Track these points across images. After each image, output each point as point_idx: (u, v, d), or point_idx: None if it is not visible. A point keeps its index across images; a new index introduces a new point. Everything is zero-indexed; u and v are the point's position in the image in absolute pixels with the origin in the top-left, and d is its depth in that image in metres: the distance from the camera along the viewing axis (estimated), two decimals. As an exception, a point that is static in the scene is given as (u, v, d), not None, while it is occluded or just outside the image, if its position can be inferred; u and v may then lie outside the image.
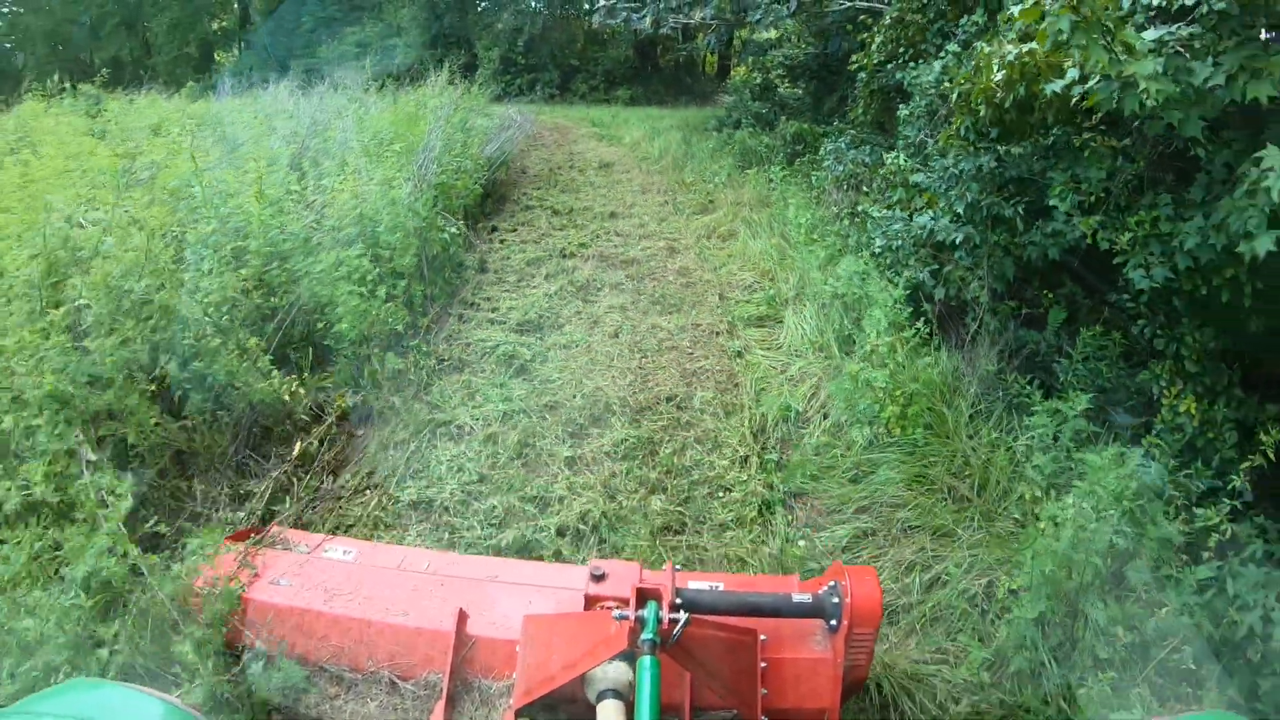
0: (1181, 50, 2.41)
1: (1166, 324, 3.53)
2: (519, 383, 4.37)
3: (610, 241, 6.98)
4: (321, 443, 3.78)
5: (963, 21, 5.09)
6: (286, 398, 3.55)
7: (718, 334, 5.06)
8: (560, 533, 3.19)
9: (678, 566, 1.92)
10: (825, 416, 3.90)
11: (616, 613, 1.68)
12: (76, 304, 3.31)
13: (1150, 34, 2.41)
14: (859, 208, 5.66)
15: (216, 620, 2.16)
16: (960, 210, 3.93)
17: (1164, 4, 2.62)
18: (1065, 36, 2.07)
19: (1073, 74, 2.79)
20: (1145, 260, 3.14)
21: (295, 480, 3.49)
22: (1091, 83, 2.46)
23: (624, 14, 12.52)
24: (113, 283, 3.33)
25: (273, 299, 4.16)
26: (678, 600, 1.73)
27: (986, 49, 3.27)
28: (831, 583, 1.94)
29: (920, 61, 5.60)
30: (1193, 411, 3.19)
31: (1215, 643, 2.45)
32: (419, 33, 20.46)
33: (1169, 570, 2.55)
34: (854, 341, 4.36)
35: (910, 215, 4.49)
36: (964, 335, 4.23)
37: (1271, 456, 2.48)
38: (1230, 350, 3.47)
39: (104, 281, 3.30)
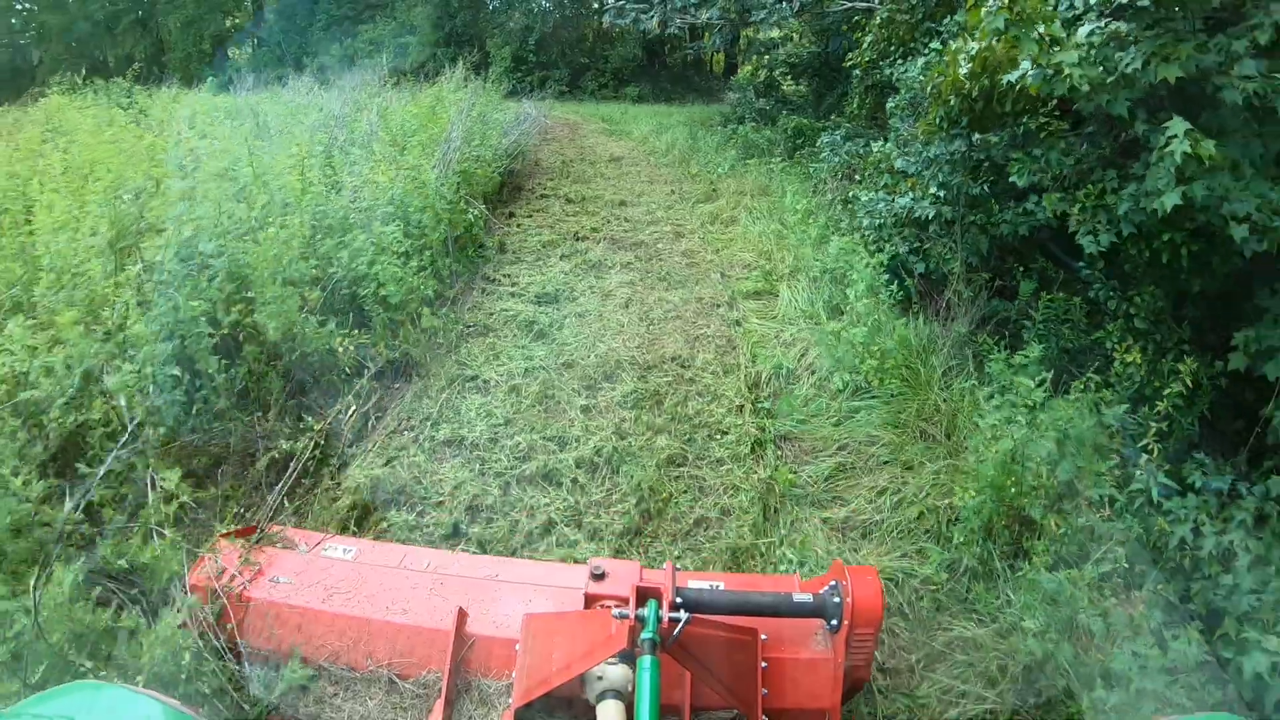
0: (1112, 42, 2.84)
1: (1119, 287, 3.97)
2: (538, 345, 4.83)
3: (620, 226, 7.44)
4: (362, 393, 4.24)
5: (946, 21, 5.53)
6: (338, 348, 4.00)
7: (719, 306, 5.51)
8: (577, 464, 3.64)
9: (678, 566, 1.93)
10: (813, 373, 4.35)
11: (616, 612, 1.68)
12: (150, 263, 3.80)
13: (1084, 29, 2.85)
14: (850, 194, 6.10)
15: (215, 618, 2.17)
16: (935, 190, 4.37)
17: (1102, 3, 3.07)
18: (1001, 32, 2.50)
19: (1025, 66, 3.23)
20: (1094, 228, 3.57)
21: (340, 422, 3.96)
22: (1030, 71, 2.89)
23: (632, 14, 12.98)
24: (186, 242, 3.81)
25: (317, 268, 4.63)
26: (678, 599, 1.74)
27: (953, 46, 3.71)
28: (832, 582, 1.94)
29: (909, 59, 6.04)
30: (1139, 362, 3.61)
31: (1151, 550, 2.86)
32: (431, 31, 20.96)
33: (1110, 489, 2.97)
34: (841, 311, 4.80)
35: (893, 198, 4.93)
36: (941, 304, 4.67)
37: (1189, 383, 2.89)
38: (1178, 312, 3.91)
39: (177, 241, 3.77)
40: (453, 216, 6.18)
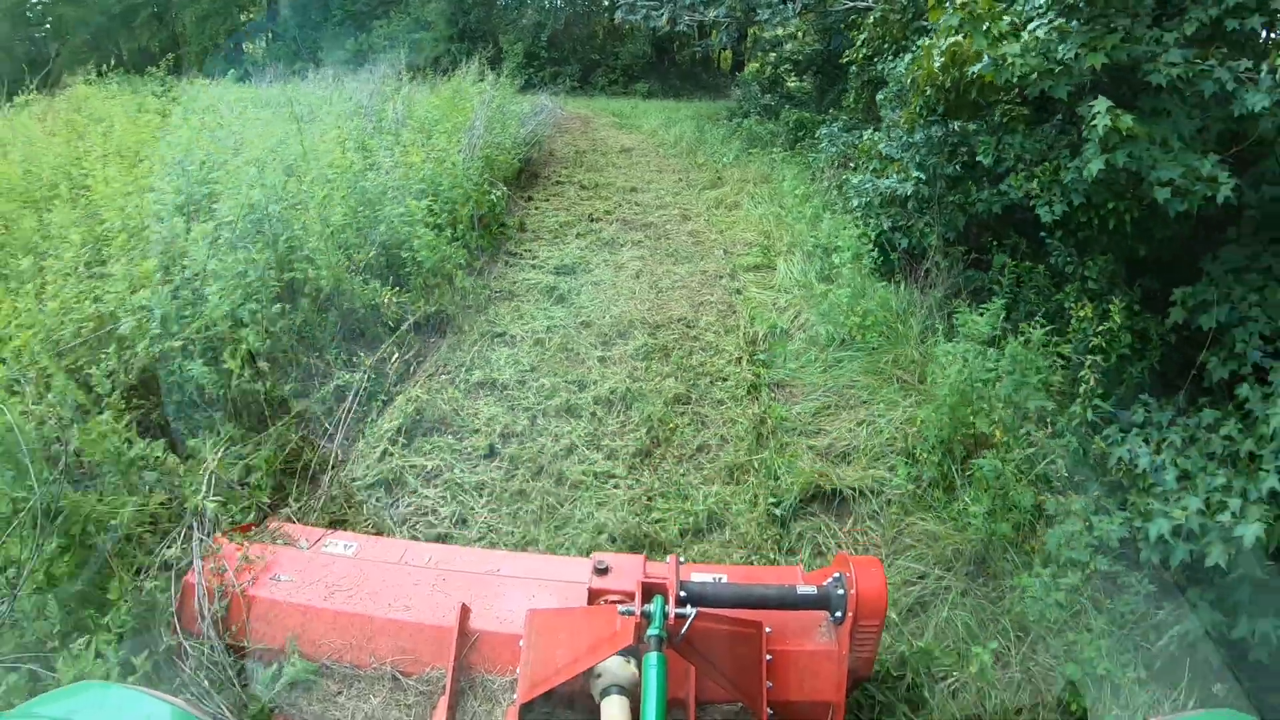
0: (1055, 35, 3.36)
1: (1077, 254, 4.48)
2: (559, 308, 5.37)
3: (631, 209, 7.97)
4: (402, 343, 4.78)
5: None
6: (383, 301, 4.54)
7: (721, 278, 6.04)
8: (595, 401, 4.17)
9: (681, 560, 1.95)
10: (804, 331, 4.87)
11: (622, 608, 1.66)
12: (221, 220, 4.33)
13: (1034, 24, 3.37)
14: (844, 179, 6.62)
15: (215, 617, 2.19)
16: (915, 172, 4.90)
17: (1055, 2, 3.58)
18: (955, 29, 3.01)
19: (988, 59, 3.74)
20: (1050, 200, 4.08)
21: (387, 365, 4.49)
22: (982, 64, 3.41)
23: (643, 11, 13.46)
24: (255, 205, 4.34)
25: (360, 234, 5.17)
26: (683, 594, 1.74)
27: (927, 42, 4.22)
28: (836, 574, 1.92)
29: (900, 55, 6.55)
30: (1091, 316, 4.11)
31: (1092, 466, 3.34)
32: (445, 27, 21.45)
33: (1058, 415, 3.46)
34: (831, 279, 5.32)
35: (878, 180, 5.46)
36: (920, 274, 5.19)
37: (1119, 319, 3.39)
38: (1131, 278, 4.42)
39: (249, 203, 4.31)
40: (478, 196, 6.71)
